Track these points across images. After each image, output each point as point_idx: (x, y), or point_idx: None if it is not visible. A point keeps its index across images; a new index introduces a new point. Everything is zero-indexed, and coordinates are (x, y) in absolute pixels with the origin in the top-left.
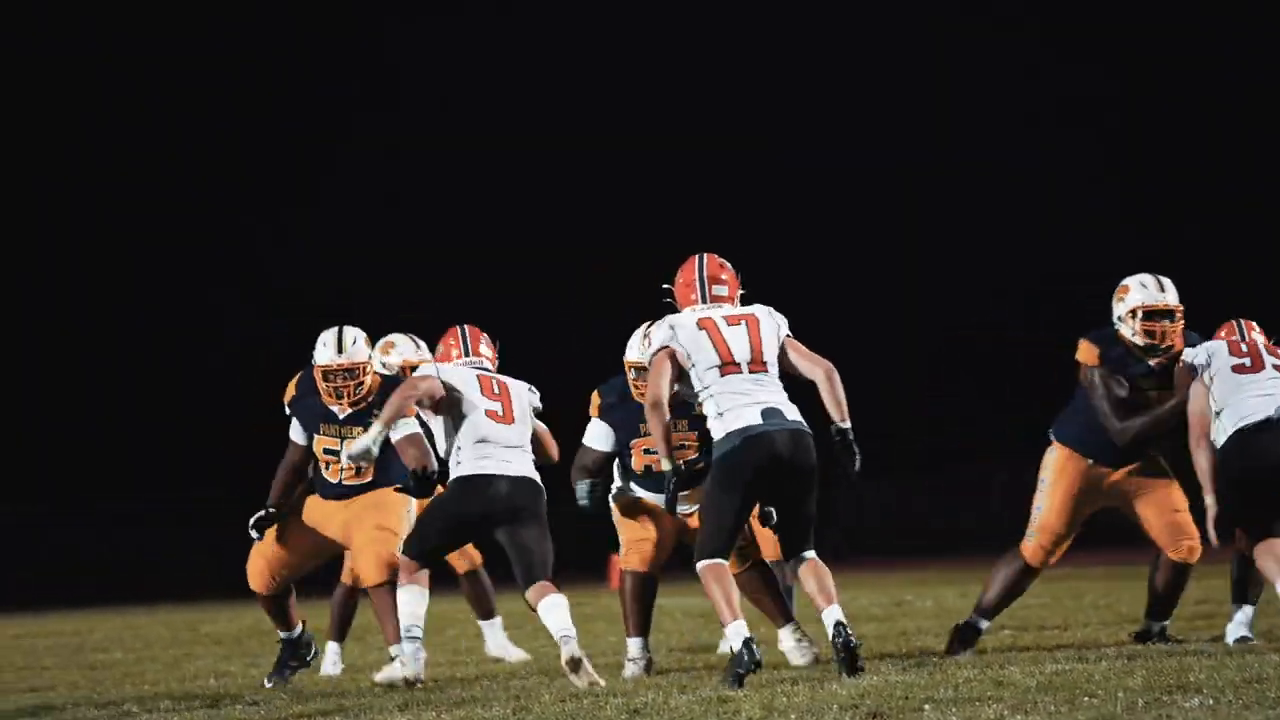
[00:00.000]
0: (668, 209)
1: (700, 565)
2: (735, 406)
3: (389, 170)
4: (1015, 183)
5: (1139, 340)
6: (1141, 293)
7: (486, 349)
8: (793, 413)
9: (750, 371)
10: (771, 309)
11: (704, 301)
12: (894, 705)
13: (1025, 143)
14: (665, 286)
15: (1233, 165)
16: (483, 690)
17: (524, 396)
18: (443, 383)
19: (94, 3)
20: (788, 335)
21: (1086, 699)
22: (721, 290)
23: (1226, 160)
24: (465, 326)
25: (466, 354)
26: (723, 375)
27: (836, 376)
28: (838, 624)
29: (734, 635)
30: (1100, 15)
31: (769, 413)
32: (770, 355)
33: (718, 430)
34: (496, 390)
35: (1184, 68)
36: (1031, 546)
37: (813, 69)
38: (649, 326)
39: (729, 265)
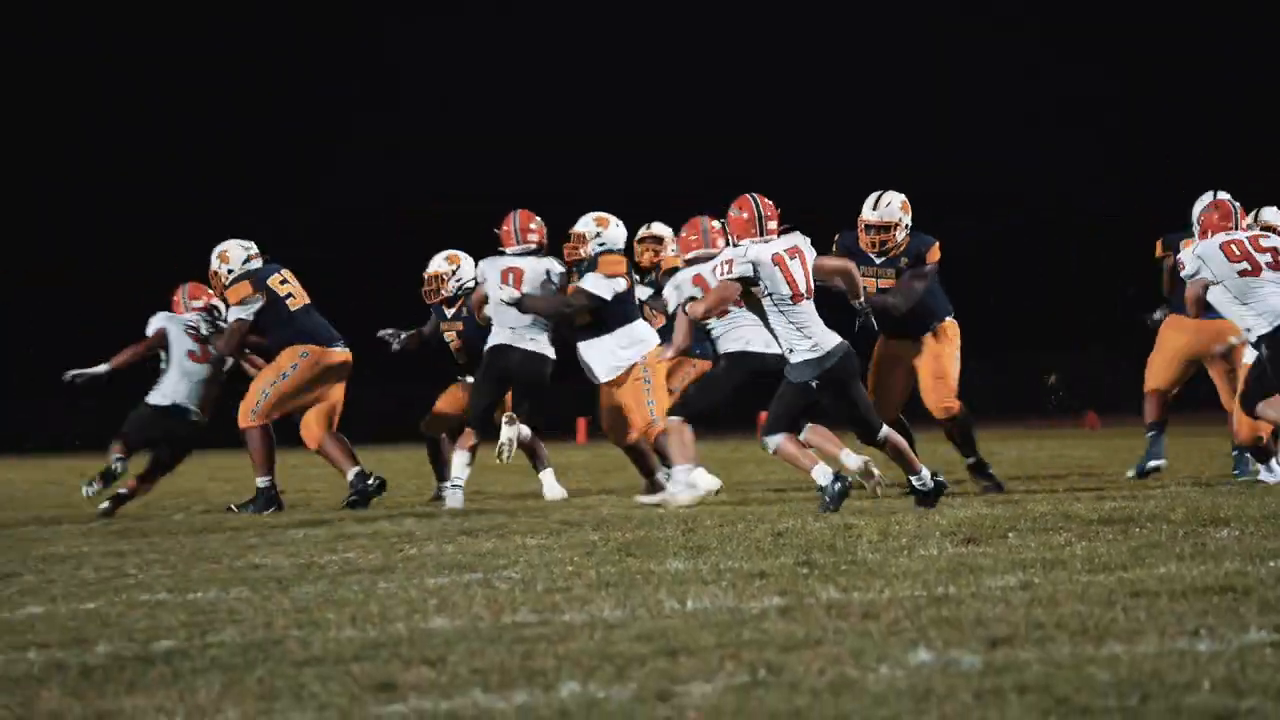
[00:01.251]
0: (667, 207)
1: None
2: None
3: (389, 170)
4: (1015, 182)
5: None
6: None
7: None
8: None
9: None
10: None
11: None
12: (985, 531)
13: (1025, 142)
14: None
15: (1231, 164)
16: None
17: None
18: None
19: (96, 3)
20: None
21: (1137, 529)
22: (772, 225)
23: (1224, 159)
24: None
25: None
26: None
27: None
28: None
29: (820, 475)
30: (1099, 15)
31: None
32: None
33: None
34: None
35: (1182, 68)
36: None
37: (812, 70)
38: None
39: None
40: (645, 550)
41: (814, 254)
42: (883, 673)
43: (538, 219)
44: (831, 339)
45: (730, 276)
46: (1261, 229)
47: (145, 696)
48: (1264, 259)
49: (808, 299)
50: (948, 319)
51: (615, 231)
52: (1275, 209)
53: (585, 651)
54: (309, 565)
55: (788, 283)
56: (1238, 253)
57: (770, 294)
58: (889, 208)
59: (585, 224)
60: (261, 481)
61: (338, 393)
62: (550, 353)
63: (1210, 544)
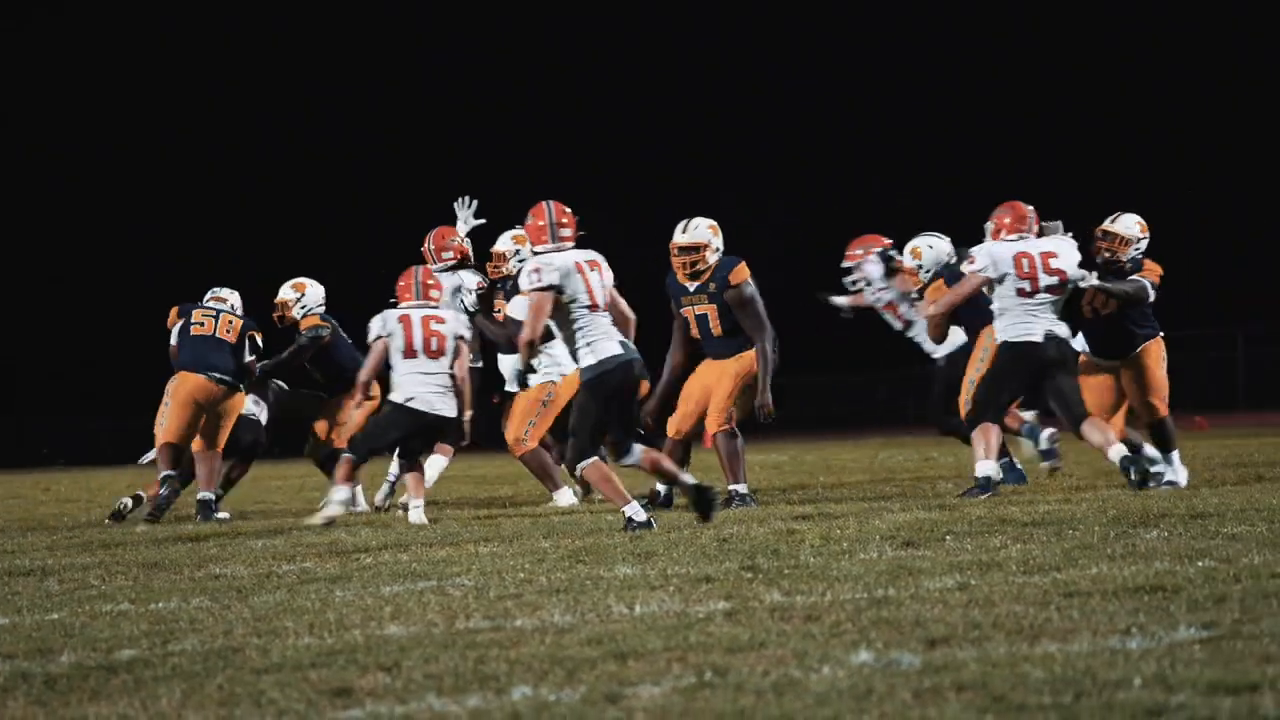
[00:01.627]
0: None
1: (581, 465)
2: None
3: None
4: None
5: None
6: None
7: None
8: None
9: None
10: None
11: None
12: (923, 536)
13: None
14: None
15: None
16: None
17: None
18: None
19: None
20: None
21: (1070, 531)
22: (567, 233)
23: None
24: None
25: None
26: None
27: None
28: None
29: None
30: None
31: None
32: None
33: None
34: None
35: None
36: None
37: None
38: None
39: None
40: (594, 556)
41: (610, 272)
42: (825, 673)
43: (454, 235)
44: (612, 349)
45: (539, 286)
46: (1102, 233)
47: (108, 704)
48: (1047, 281)
49: (603, 311)
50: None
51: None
52: (1134, 218)
53: (536, 656)
54: (267, 575)
55: (587, 292)
56: (1026, 268)
57: (571, 301)
58: (698, 230)
59: (504, 242)
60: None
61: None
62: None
63: (1140, 545)
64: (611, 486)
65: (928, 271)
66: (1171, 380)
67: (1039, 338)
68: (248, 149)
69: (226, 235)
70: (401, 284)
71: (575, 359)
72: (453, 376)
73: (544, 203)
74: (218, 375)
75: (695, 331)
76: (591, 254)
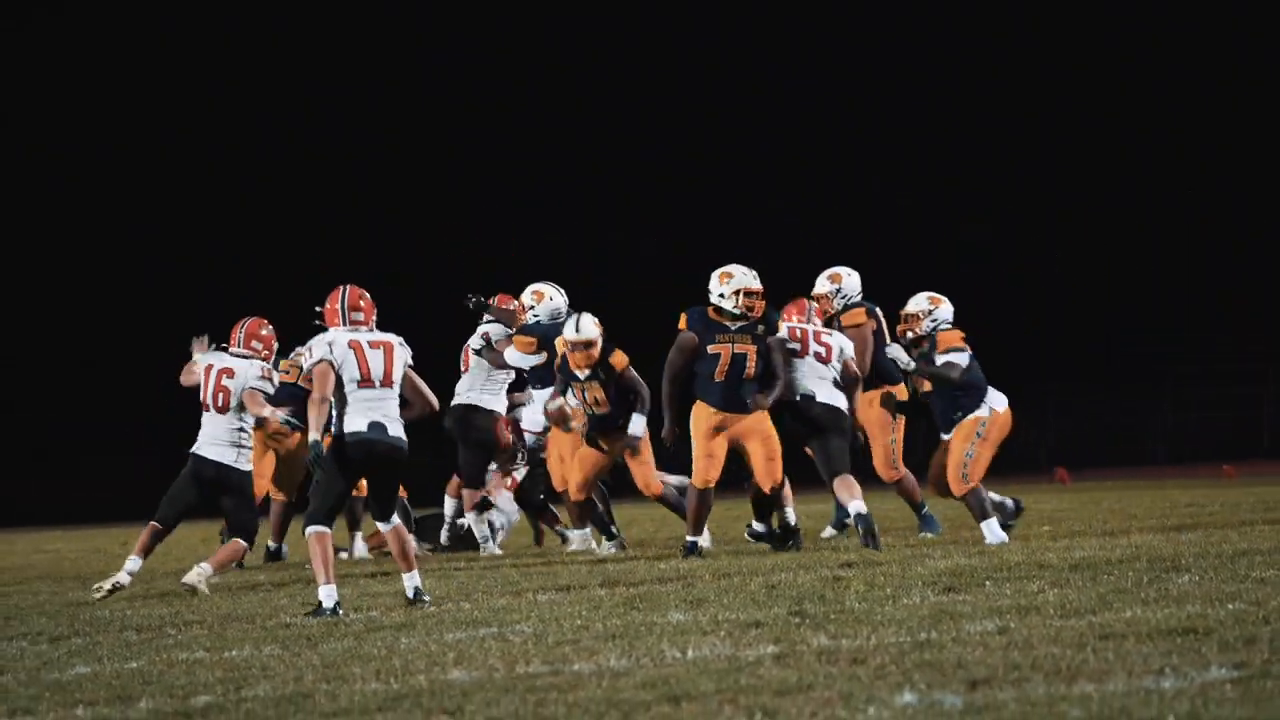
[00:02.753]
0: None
1: (307, 530)
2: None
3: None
4: None
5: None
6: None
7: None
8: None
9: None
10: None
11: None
12: (963, 581)
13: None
14: (317, 309)
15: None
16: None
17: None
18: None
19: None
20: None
21: (1105, 576)
22: (359, 316)
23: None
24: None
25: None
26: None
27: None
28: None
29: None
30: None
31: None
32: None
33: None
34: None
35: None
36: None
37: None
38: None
39: (367, 294)
40: (648, 603)
41: (405, 352)
42: (871, 714)
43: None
44: (358, 426)
45: (312, 361)
46: (901, 315)
47: None
48: (816, 349)
49: (382, 387)
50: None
51: (547, 305)
52: (924, 295)
53: (593, 699)
54: (336, 624)
55: (360, 368)
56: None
57: (343, 376)
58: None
59: (526, 297)
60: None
61: None
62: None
63: (1173, 589)
64: (319, 562)
65: (843, 298)
66: (1191, 429)
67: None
68: (247, 149)
69: (226, 236)
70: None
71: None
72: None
73: (340, 288)
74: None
75: (722, 372)
76: (383, 336)
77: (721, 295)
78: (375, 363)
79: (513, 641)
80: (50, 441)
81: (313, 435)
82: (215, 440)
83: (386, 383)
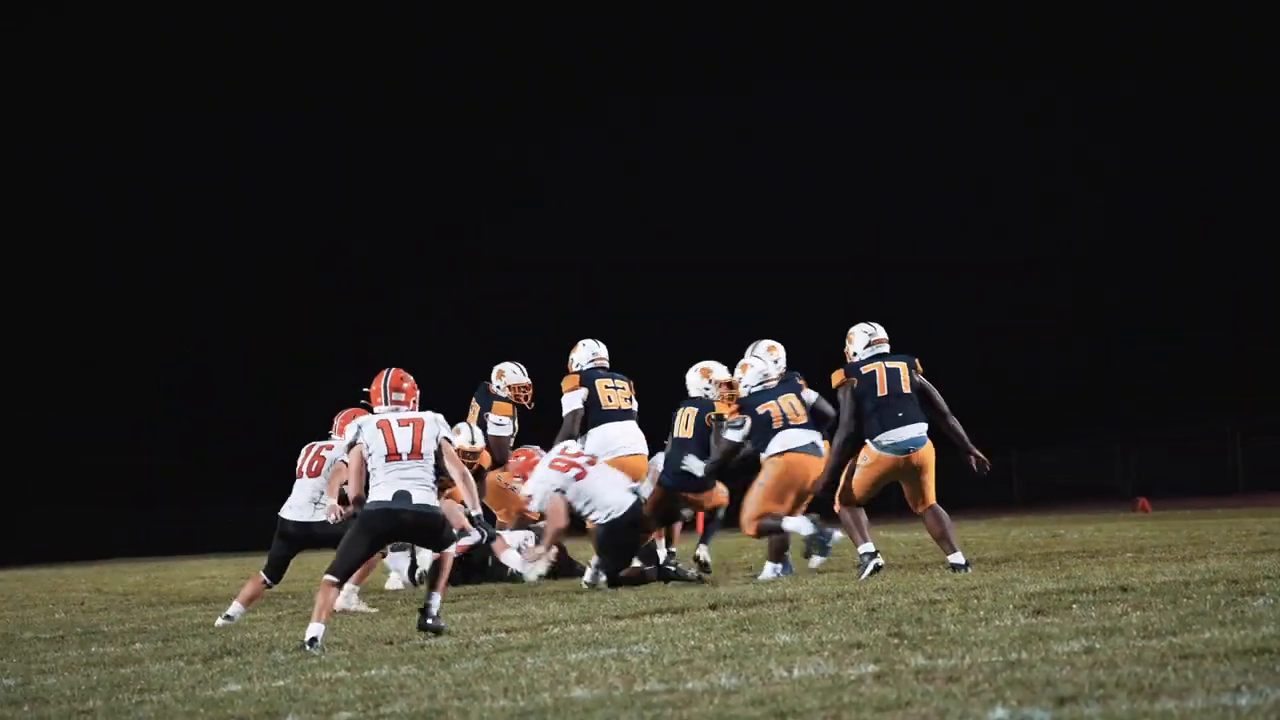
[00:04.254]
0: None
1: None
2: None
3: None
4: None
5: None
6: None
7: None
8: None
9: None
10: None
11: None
12: (1051, 604)
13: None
14: (364, 390)
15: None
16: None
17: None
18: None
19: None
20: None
21: (1185, 599)
22: (399, 397)
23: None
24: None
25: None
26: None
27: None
28: None
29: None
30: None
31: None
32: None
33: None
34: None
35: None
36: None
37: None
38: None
39: (409, 377)
40: (757, 625)
41: (443, 431)
42: None
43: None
44: (382, 496)
45: (346, 442)
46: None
47: None
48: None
49: (409, 459)
50: None
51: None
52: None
53: (706, 715)
54: (467, 645)
55: (386, 444)
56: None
57: (372, 453)
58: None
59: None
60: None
61: None
62: None
63: (1249, 611)
64: (319, 605)
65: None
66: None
67: None
68: (247, 149)
69: (226, 237)
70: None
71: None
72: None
73: (384, 371)
74: None
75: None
76: (415, 415)
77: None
78: (402, 438)
79: (631, 661)
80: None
81: (352, 491)
82: (297, 503)
83: (415, 455)
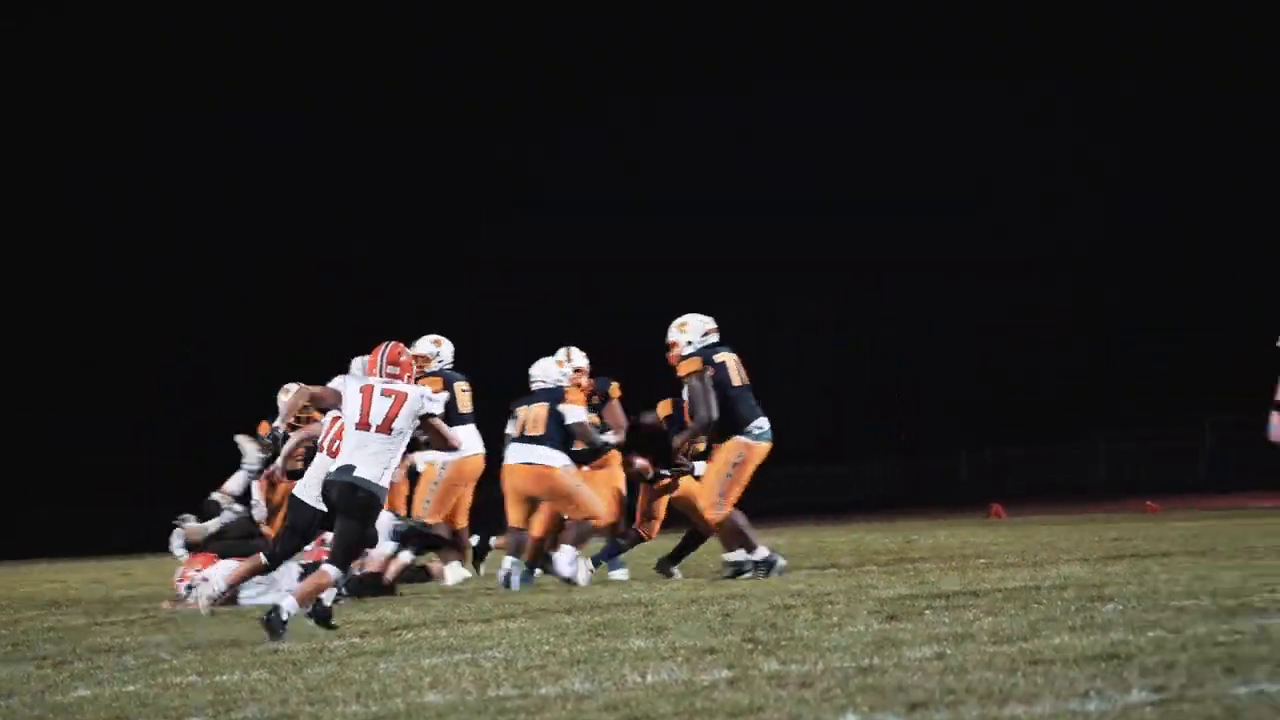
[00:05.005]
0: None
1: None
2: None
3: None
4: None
5: None
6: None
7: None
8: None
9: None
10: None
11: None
12: (904, 610)
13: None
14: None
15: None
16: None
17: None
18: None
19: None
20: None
21: (1035, 605)
22: (394, 370)
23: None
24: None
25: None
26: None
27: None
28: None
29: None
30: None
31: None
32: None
33: None
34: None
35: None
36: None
37: None
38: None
39: (408, 352)
40: (611, 630)
41: (424, 408)
42: None
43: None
44: (335, 470)
45: (329, 387)
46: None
47: None
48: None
49: (377, 432)
50: None
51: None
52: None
53: None
54: (320, 650)
55: (360, 410)
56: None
57: (345, 415)
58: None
59: (424, 345)
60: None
61: None
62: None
63: (1098, 617)
64: (305, 590)
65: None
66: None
67: None
68: (247, 149)
69: (226, 237)
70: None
71: None
72: None
73: (382, 344)
74: None
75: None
76: (402, 387)
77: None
78: (378, 409)
79: (484, 666)
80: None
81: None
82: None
83: (383, 429)
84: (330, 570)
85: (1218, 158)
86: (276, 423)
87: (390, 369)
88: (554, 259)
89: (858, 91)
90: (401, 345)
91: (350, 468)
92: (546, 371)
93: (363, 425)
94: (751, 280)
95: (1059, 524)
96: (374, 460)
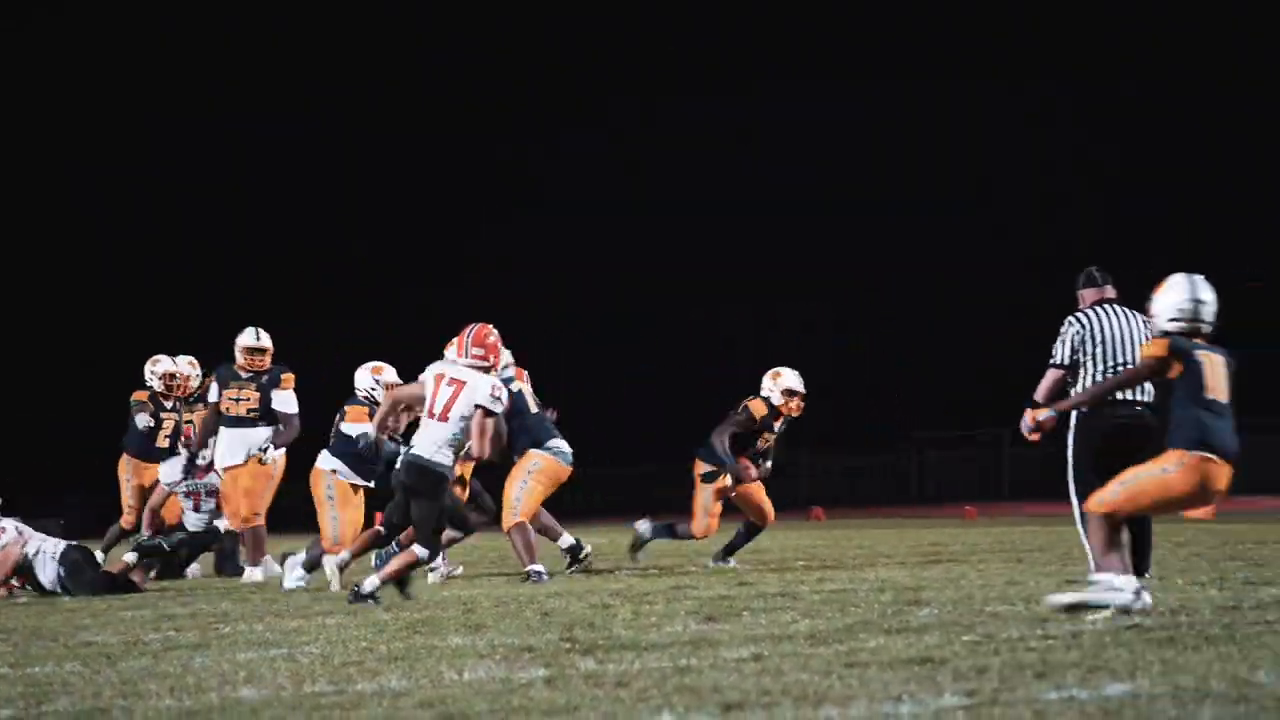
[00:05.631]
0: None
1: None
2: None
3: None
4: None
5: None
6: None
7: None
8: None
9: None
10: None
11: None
12: (723, 611)
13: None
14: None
15: None
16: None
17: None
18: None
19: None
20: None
21: (853, 608)
22: (478, 351)
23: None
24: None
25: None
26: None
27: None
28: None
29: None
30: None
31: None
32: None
33: None
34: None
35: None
36: None
37: None
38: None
39: (494, 333)
40: (430, 628)
41: (480, 400)
42: None
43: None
44: (407, 453)
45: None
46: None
47: None
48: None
49: (437, 422)
50: None
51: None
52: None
53: (374, 717)
54: (134, 642)
55: (430, 398)
56: None
57: (420, 405)
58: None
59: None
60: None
61: None
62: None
63: (913, 620)
64: (391, 570)
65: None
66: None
67: None
68: (247, 149)
69: (226, 237)
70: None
71: None
72: None
73: (469, 326)
74: None
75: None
76: (466, 375)
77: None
78: (441, 398)
79: (301, 662)
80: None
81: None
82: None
83: (442, 418)
84: (418, 550)
85: (1218, 158)
86: (369, 429)
87: (475, 350)
88: (554, 259)
89: (858, 91)
90: (489, 327)
91: (417, 452)
92: (359, 380)
93: (429, 413)
94: (751, 280)
95: (877, 528)
96: (435, 446)
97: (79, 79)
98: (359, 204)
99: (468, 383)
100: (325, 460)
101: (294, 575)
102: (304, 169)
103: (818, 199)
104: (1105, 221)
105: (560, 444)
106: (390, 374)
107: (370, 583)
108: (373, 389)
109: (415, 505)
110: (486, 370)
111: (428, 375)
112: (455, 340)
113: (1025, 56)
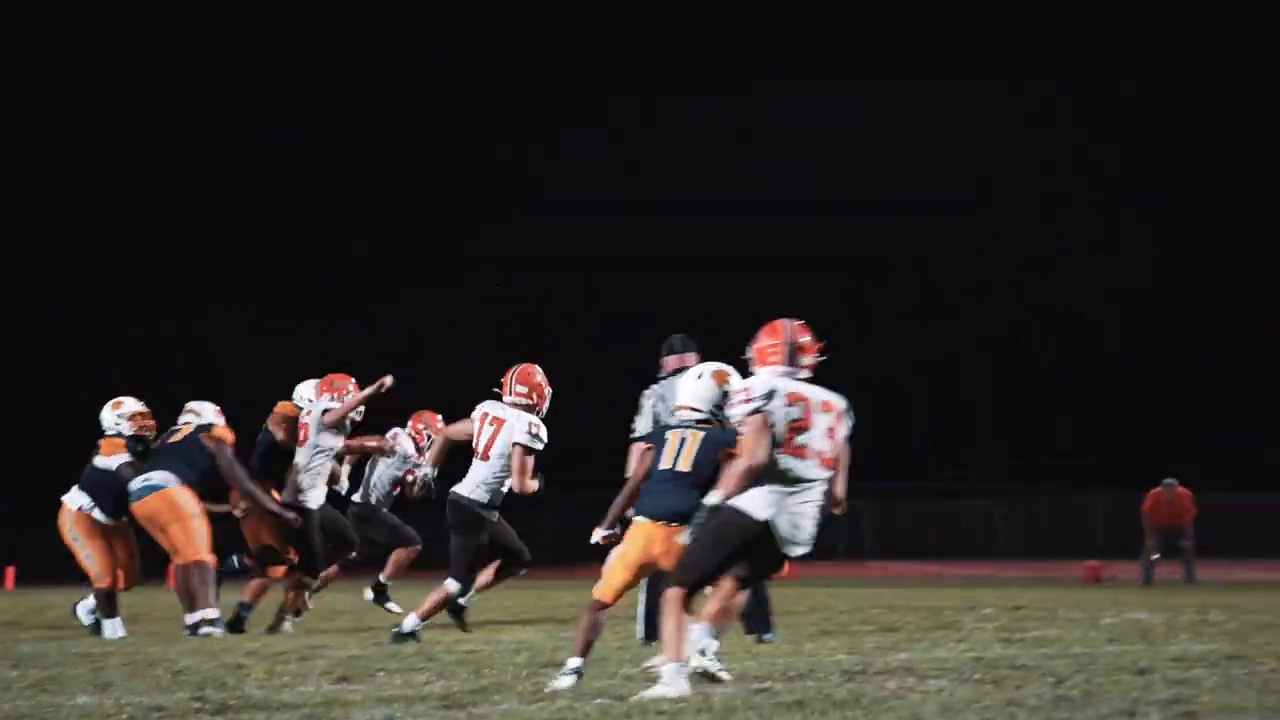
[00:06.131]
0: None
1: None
2: None
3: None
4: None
5: None
6: None
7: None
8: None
9: None
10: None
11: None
12: (357, 671)
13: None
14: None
15: None
16: None
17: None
18: None
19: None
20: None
21: (488, 670)
22: (522, 390)
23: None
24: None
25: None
26: None
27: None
28: None
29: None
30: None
31: None
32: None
33: None
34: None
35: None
36: None
37: None
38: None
39: (539, 373)
40: (57, 686)
41: (519, 437)
42: None
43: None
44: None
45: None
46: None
47: None
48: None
49: (480, 460)
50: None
51: None
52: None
53: None
54: None
55: (475, 438)
56: None
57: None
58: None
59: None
60: None
61: None
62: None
63: (547, 683)
64: (426, 609)
65: None
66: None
67: None
68: (247, 149)
69: (226, 237)
70: None
71: None
72: None
73: (514, 367)
74: None
75: None
76: (506, 413)
77: None
78: (483, 436)
79: None
80: None
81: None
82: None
83: (483, 456)
84: (450, 584)
85: (1218, 158)
86: (425, 470)
87: (519, 388)
88: (554, 259)
89: (858, 91)
90: (534, 367)
91: (458, 490)
92: (104, 418)
93: (474, 451)
94: (751, 280)
95: (520, 588)
96: (474, 485)
97: (79, 79)
98: (359, 204)
99: (507, 420)
100: (70, 497)
101: (92, 619)
102: (304, 169)
103: (818, 199)
104: (1105, 221)
105: None
106: (130, 405)
107: (410, 621)
108: (116, 424)
109: (452, 540)
110: (530, 409)
111: (476, 414)
112: (505, 379)
113: (1025, 56)
